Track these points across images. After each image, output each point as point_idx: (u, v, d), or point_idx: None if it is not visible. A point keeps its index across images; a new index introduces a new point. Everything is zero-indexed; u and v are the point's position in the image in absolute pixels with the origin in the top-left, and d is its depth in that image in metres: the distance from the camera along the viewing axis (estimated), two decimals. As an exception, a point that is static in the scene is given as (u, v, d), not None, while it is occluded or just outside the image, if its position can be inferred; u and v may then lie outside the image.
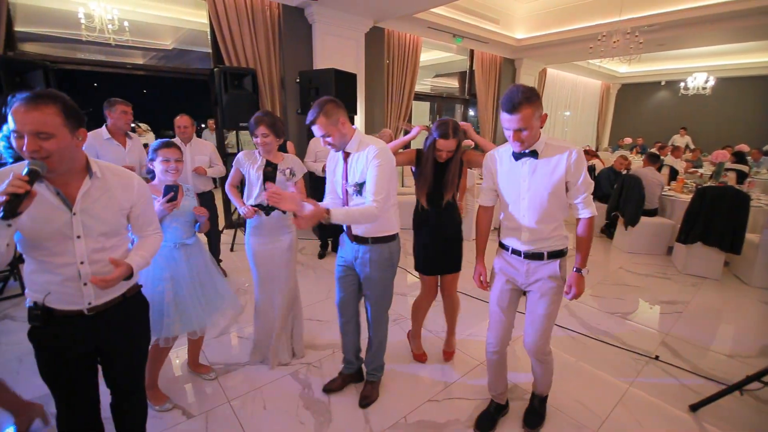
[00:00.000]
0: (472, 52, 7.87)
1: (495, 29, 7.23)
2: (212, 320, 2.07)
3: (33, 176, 1.06)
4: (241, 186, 2.36)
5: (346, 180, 1.86)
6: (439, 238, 2.24)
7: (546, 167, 1.59)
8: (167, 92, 11.53)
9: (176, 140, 3.40)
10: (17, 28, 3.89)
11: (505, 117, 1.52)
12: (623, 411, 2.10)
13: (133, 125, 9.72)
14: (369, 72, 5.95)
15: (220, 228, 4.34)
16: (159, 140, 1.95)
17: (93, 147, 2.85)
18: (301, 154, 4.07)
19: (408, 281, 3.85)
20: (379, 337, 2.14)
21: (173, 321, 1.89)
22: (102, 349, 1.37)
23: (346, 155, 1.86)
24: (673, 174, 6.07)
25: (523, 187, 1.65)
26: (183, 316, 1.91)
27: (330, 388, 2.20)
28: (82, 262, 1.22)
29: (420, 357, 2.53)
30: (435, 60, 9.00)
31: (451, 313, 2.48)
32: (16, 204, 1.01)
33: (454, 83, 9.74)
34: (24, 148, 1.08)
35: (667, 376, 2.42)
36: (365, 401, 2.11)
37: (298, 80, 5.08)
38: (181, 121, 3.35)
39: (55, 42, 6.27)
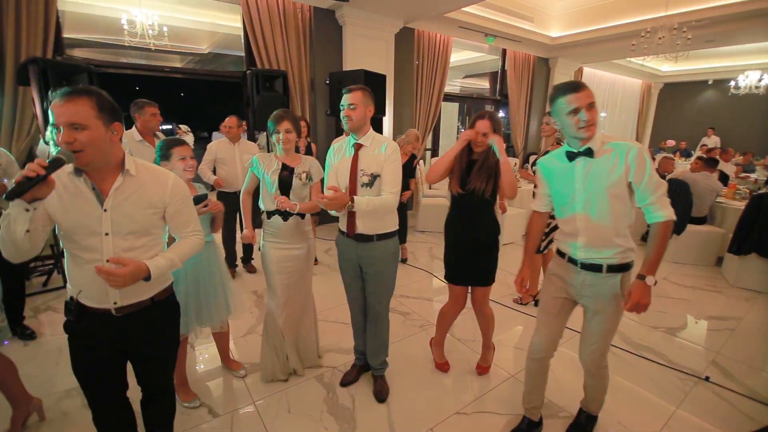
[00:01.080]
0: (504, 51, 7.67)
1: (529, 27, 7.01)
2: (216, 322, 2.09)
3: (54, 163, 1.05)
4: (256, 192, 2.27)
5: (355, 170, 1.89)
6: (470, 242, 2.10)
7: (603, 166, 1.49)
8: (203, 94, 11.93)
9: (224, 140, 3.55)
10: (65, 35, 4.11)
11: (570, 98, 1.45)
12: (670, 436, 1.94)
13: (169, 126, 10.17)
14: (398, 73, 5.90)
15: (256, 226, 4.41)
16: (168, 138, 1.92)
17: (128, 149, 2.94)
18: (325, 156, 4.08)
19: (434, 285, 3.75)
20: (382, 329, 2.14)
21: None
22: (130, 351, 1.37)
23: (358, 147, 1.92)
24: (723, 179, 5.66)
25: (578, 189, 1.55)
26: (187, 320, 1.90)
27: (347, 381, 2.25)
28: (108, 260, 1.20)
29: (441, 366, 2.42)
30: (465, 60, 8.85)
31: (485, 326, 2.33)
32: (26, 187, 1.00)
33: (484, 84, 9.53)
34: (59, 140, 1.10)
35: (718, 399, 2.21)
36: (381, 395, 2.13)
37: (327, 81, 5.10)
38: (230, 122, 3.48)
39: (100, 47, 6.61)
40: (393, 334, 2.77)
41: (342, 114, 1.88)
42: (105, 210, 1.20)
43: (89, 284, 1.24)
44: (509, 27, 6.69)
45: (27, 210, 1.06)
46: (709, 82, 11.46)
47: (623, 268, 1.56)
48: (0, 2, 3.35)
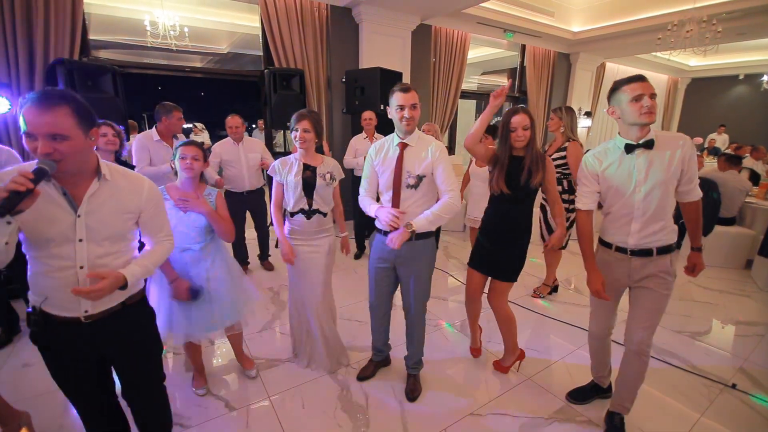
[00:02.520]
0: (523, 47, 7.53)
1: (550, 22, 6.86)
2: (228, 324, 2.04)
3: (40, 175, 1.02)
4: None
5: (400, 171, 1.87)
6: (501, 234, 2.12)
7: (662, 157, 1.60)
8: (222, 93, 12.15)
9: (228, 140, 3.55)
10: (91, 36, 4.24)
11: (636, 86, 1.55)
12: (694, 444, 1.87)
13: (189, 126, 10.39)
14: (415, 70, 5.87)
15: (269, 224, 4.45)
16: (182, 140, 1.94)
17: (145, 147, 3.02)
18: (341, 154, 4.07)
19: (449, 284, 3.72)
20: (420, 332, 2.13)
21: (180, 323, 1.89)
22: (106, 359, 1.34)
23: (403, 146, 1.89)
24: (754, 178, 5.41)
25: (639, 179, 1.64)
26: (188, 322, 1.90)
27: (364, 376, 2.27)
28: (81, 267, 1.17)
29: (473, 351, 2.51)
30: (483, 56, 8.72)
31: (503, 328, 2.27)
32: (15, 201, 0.97)
33: (503, 80, 9.38)
34: (38, 151, 1.04)
35: (746, 408, 2.12)
36: (412, 394, 2.13)
37: (344, 80, 5.11)
38: (232, 121, 3.49)
39: (123, 48, 6.79)
40: (407, 333, 2.78)
41: (400, 115, 1.83)
42: (79, 216, 1.16)
43: (57, 292, 1.18)
44: (529, 22, 6.56)
45: (9, 223, 1.02)
46: (740, 77, 10.98)
47: (670, 249, 1.69)
48: (30, 5, 3.47)
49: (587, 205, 1.80)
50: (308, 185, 2.03)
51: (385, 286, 2.09)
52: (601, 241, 1.84)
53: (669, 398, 2.18)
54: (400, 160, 1.87)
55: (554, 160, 3.03)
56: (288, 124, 2.14)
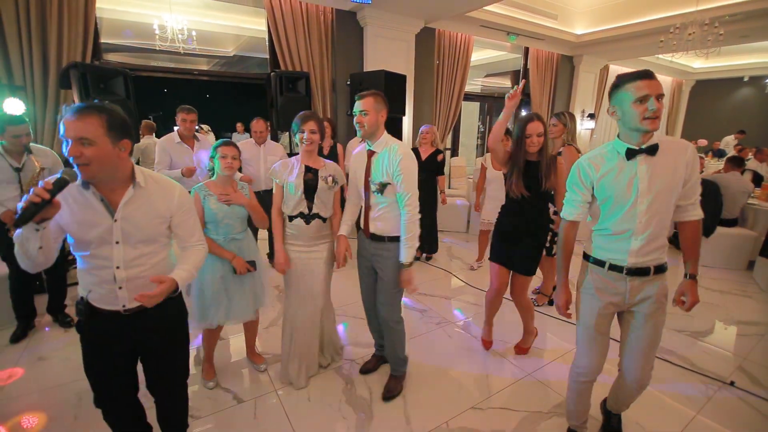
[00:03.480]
0: (526, 49, 7.57)
1: (553, 25, 6.90)
2: (253, 313, 2.21)
3: (59, 184, 1.10)
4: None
5: (368, 177, 1.95)
6: (521, 231, 2.27)
7: (666, 165, 1.42)
8: (227, 95, 12.27)
9: (251, 141, 3.66)
10: (102, 40, 4.34)
11: (641, 84, 1.36)
12: (690, 439, 1.91)
13: (195, 127, 10.45)
14: (418, 72, 5.93)
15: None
16: (221, 139, 2.07)
17: (166, 150, 3.12)
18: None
19: (453, 285, 3.77)
20: (392, 338, 2.15)
21: (220, 311, 2.05)
22: (140, 350, 1.43)
23: (370, 154, 1.95)
24: (757, 180, 5.43)
25: (641, 189, 1.43)
26: (229, 308, 2.08)
27: (366, 369, 2.35)
28: (118, 267, 1.28)
29: (484, 343, 2.64)
30: (486, 59, 8.78)
31: (524, 315, 2.51)
32: (32, 211, 1.05)
33: (506, 82, 9.44)
34: (67, 153, 1.14)
35: (743, 405, 2.16)
36: (388, 394, 2.15)
37: (348, 82, 5.18)
38: (257, 125, 3.62)
39: (132, 51, 6.92)
40: (411, 330, 2.83)
41: (354, 120, 1.91)
42: (116, 220, 1.26)
43: (98, 287, 1.30)
44: (532, 25, 6.61)
45: (37, 230, 1.12)
46: (745, 79, 10.95)
47: (664, 268, 1.54)
48: (44, 10, 3.58)
49: (573, 216, 1.62)
50: (309, 188, 2.01)
51: (368, 282, 2.19)
52: (592, 259, 1.60)
53: (667, 394, 2.22)
54: (368, 168, 1.96)
55: None
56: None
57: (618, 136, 1.50)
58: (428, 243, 4.18)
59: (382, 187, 1.90)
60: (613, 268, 1.53)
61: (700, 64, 10.44)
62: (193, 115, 3.24)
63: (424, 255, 4.32)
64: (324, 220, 2.11)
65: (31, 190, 1.07)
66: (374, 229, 2.01)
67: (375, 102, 1.86)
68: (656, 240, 1.48)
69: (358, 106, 1.88)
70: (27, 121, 2.50)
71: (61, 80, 3.45)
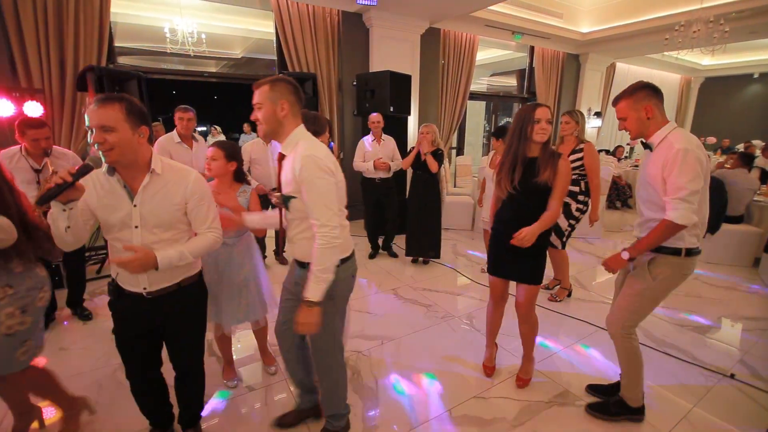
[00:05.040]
0: (532, 48, 7.60)
1: (558, 24, 6.92)
2: (251, 319, 2.12)
3: (82, 170, 1.21)
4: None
5: (279, 187, 1.54)
6: (518, 228, 1.89)
7: (655, 160, 1.68)
8: (234, 97, 12.45)
9: (258, 140, 3.61)
10: (116, 44, 4.47)
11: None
12: (686, 430, 1.95)
13: (204, 128, 10.62)
14: (424, 72, 6.00)
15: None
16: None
17: (165, 150, 3.20)
18: (352, 155, 4.21)
19: (458, 282, 3.83)
20: (327, 383, 1.72)
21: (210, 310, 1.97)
22: (161, 331, 1.55)
23: (281, 158, 1.53)
24: (765, 177, 5.40)
25: (640, 176, 1.83)
26: (218, 312, 2.01)
27: (282, 423, 1.89)
28: (123, 247, 1.36)
29: (485, 369, 2.35)
30: (491, 58, 8.82)
31: (529, 334, 2.18)
32: (54, 193, 1.16)
33: (511, 81, 9.46)
34: (91, 140, 1.26)
35: (743, 396, 2.19)
36: None
37: (354, 83, 5.26)
38: None
39: (143, 55, 7.08)
40: (414, 324, 2.91)
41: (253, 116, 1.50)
42: (135, 205, 1.36)
43: (124, 270, 1.39)
44: (538, 24, 6.65)
45: (64, 210, 1.23)
46: (755, 76, 10.83)
47: (659, 250, 1.79)
48: (61, 15, 3.71)
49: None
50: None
51: (289, 312, 1.67)
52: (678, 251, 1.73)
53: (666, 385, 2.26)
54: (278, 176, 1.55)
55: (571, 162, 2.99)
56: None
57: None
58: (431, 247, 4.06)
59: (286, 201, 1.49)
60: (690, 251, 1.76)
61: (709, 61, 10.34)
62: (190, 113, 3.32)
63: (421, 259, 4.24)
64: None
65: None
66: (291, 253, 1.62)
67: (270, 91, 1.43)
68: (648, 224, 1.76)
69: (254, 97, 1.46)
70: (46, 126, 2.61)
71: (78, 83, 3.57)
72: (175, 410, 1.78)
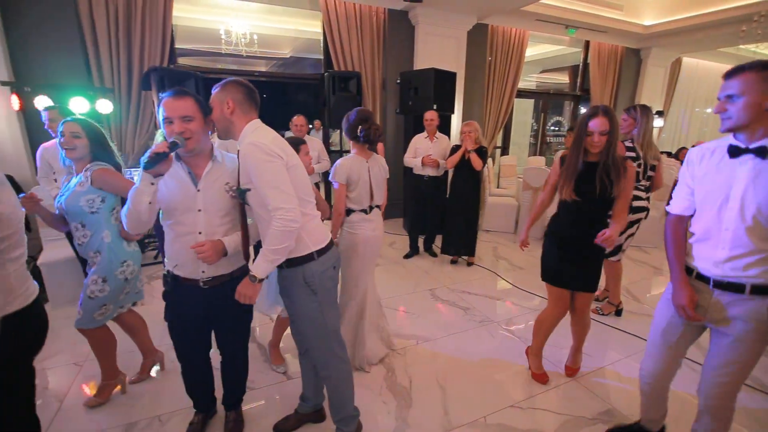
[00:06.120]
0: (587, 43, 7.19)
1: (618, 16, 6.49)
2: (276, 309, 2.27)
3: (173, 145, 1.32)
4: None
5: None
6: (581, 246, 1.99)
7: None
8: (283, 95, 12.94)
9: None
10: (176, 45, 4.78)
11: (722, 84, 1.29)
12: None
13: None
14: (469, 69, 5.87)
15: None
16: (291, 137, 2.15)
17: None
18: (394, 154, 4.22)
19: (498, 286, 3.72)
20: (329, 381, 1.70)
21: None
22: (212, 318, 1.64)
23: (238, 154, 1.51)
24: None
25: (735, 192, 1.29)
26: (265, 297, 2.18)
27: (282, 428, 1.88)
28: (200, 232, 1.48)
29: (539, 378, 2.27)
30: (542, 54, 8.45)
31: (582, 333, 2.26)
32: (157, 161, 1.27)
33: (563, 78, 9.02)
34: (175, 130, 1.37)
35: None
36: None
37: (398, 81, 5.26)
38: (298, 120, 3.82)
39: (198, 55, 7.51)
40: (451, 326, 2.87)
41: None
42: (198, 190, 1.47)
43: (183, 256, 1.50)
44: (594, 17, 6.28)
45: (152, 183, 1.33)
46: None
47: None
48: (130, 19, 4.02)
49: (678, 210, 1.51)
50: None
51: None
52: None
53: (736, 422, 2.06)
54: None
55: None
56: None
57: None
58: (464, 246, 4.04)
59: (242, 194, 1.49)
60: (700, 277, 1.42)
61: (794, 54, 9.26)
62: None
63: (462, 258, 4.19)
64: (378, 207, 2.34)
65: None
66: None
67: (219, 93, 1.45)
68: (754, 254, 1.28)
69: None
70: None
71: (143, 82, 3.86)
72: (218, 393, 1.89)
